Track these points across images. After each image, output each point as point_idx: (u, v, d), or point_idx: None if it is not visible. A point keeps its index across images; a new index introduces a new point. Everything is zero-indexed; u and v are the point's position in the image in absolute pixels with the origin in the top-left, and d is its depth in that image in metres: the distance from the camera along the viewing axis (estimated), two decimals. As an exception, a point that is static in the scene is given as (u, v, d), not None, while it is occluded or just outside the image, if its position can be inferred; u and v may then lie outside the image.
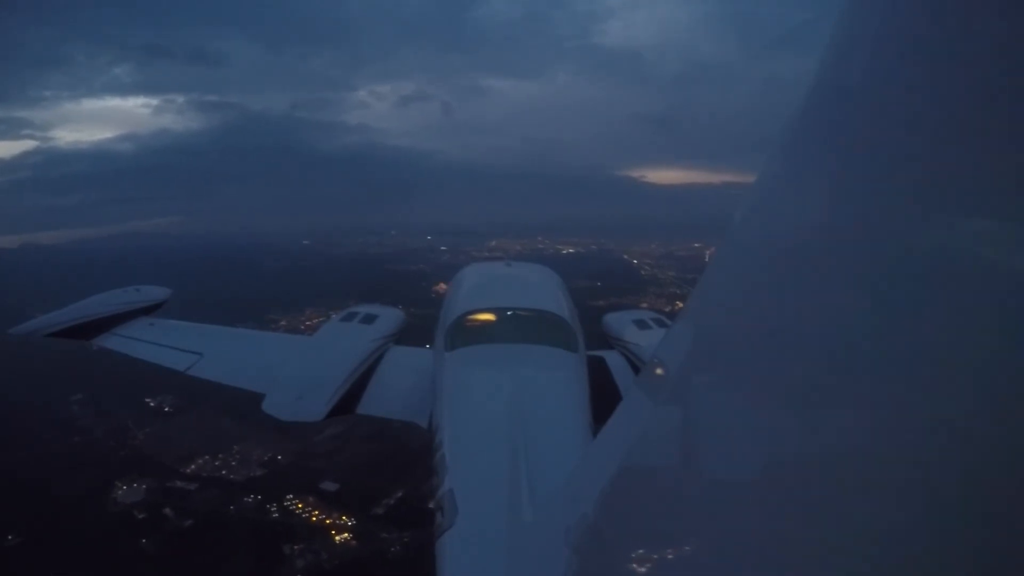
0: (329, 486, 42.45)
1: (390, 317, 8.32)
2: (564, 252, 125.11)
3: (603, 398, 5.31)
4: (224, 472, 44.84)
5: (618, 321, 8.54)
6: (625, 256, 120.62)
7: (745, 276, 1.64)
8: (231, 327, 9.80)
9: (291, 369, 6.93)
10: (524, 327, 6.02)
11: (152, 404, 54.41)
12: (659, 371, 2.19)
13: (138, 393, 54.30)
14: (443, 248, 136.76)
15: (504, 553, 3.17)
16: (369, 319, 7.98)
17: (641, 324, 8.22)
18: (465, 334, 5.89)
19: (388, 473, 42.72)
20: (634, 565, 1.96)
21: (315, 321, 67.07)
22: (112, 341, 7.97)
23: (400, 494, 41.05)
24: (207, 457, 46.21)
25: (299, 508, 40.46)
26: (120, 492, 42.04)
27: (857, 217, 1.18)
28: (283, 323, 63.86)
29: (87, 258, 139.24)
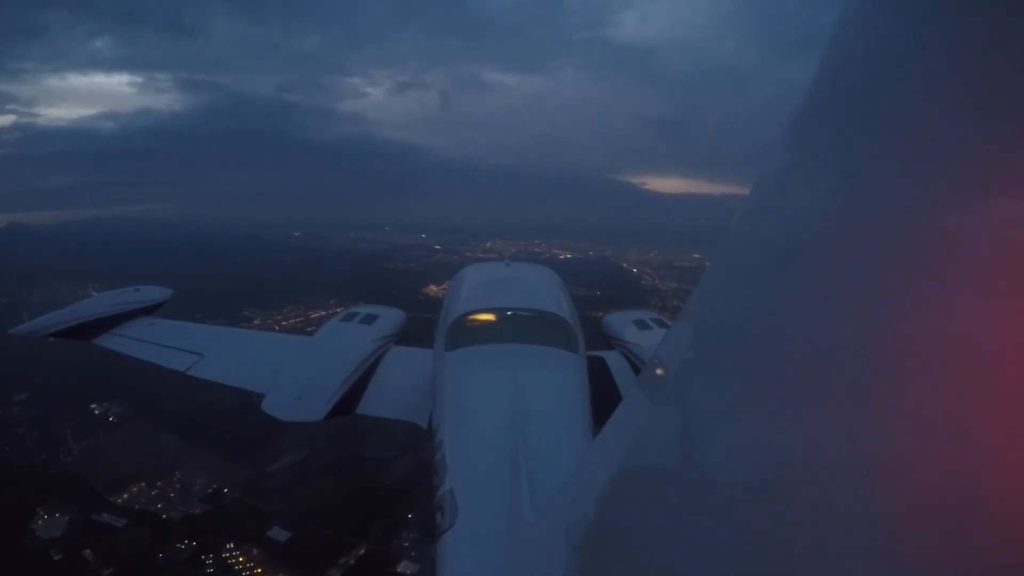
0: (278, 534, 36.27)
1: (390, 317, 8.27)
2: (561, 257, 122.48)
3: (603, 398, 5.24)
4: (159, 505, 38.74)
5: (618, 321, 8.52)
6: (624, 264, 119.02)
7: (745, 276, 1.64)
8: (232, 327, 10.25)
9: (291, 369, 6.82)
10: (524, 327, 5.99)
11: (97, 411, 49.05)
12: (659, 371, 2.22)
13: (86, 396, 49.45)
14: (437, 247, 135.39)
15: (504, 553, 3.14)
16: (369, 319, 7.96)
17: (641, 324, 8.22)
18: (465, 334, 5.85)
19: (351, 520, 36.96)
20: (634, 565, 1.89)
21: (292, 322, 62.85)
22: (112, 341, 7.83)
23: (363, 551, 35.07)
24: (143, 484, 40.35)
25: (239, 562, 34.22)
26: (40, 523, 36.06)
27: (857, 217, 1.18)
28: (257, 322, 60.30)
29: (75, 241, 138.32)
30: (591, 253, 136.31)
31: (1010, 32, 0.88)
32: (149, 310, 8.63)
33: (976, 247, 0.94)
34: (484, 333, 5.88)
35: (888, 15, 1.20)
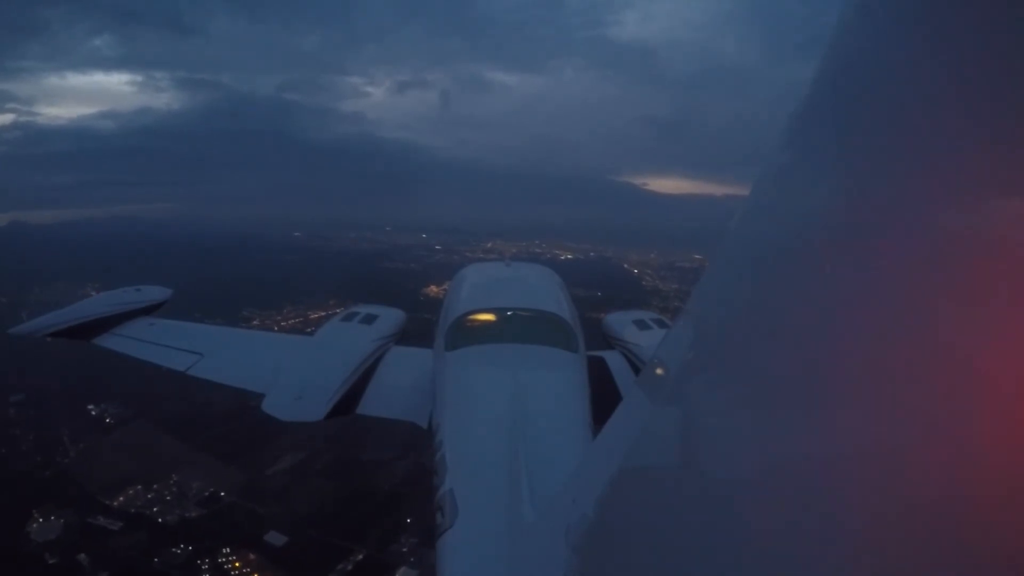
0: (275, 539, 35.83)
1: (390, 317, 8.25)
2: (562, 258, 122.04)
3: (603, 398, 5.21)
4: (156, 509, 38.38)
5: (618, 321, 8.46)
6: (625, 265, 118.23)
7: (745, 276, 1.64)
8: (232, 327, 9.99)
9: (291, 369, 6.83)
10: (524, 327, 5.98)
11: (94, 413, 48.76)
12: (659, 371, 2.21)
13: (83, 397, 49.21)
14: (437, 247, 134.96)
15: (504, 553, 3.14)
16: (369, 319, 7.95)
17: (641, 324, 8.16)
18: (465, 334, 5.84)
19: (349, 524, 36.52)
20: (634, 565, 1.89)
21: (292, 322, 62.54)
22: (112, 341, 7.81)
23: (361, 556, 34.62)
24: (139, 487, 39.97)
25: (235, 567, 33.78)
26: (35, 526, 35.82)
27: (858, 216, 1.18)
28: (256, 322, 59.96)
29: (76, 240, 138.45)
30: (592, 254, 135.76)
31: (1011, 31, 0.87)
32: (149, 310, 8.58)
33: (978, 247, 0.93)
34: (484, 333, 5.86)
35: (889, 14, 1.19)
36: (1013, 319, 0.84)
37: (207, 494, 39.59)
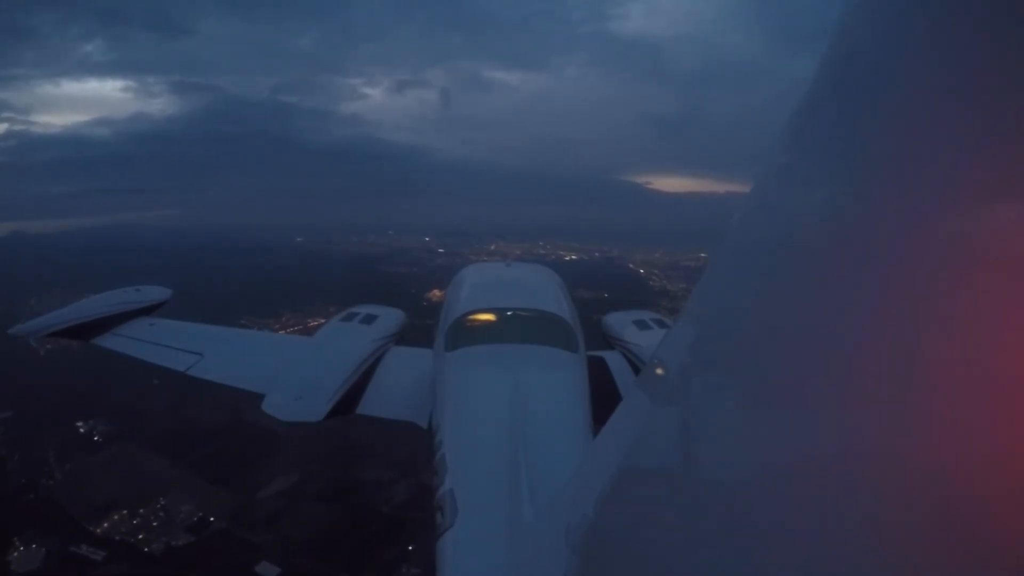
0: (268, 570, 33.56)
1: (390, 317, 8.22)
2: (567, 258, 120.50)
3: (603, 398, 5.20)
4: (141, 536, 36.27)
5: (618, 321, 8.47)
6: (631, 265, 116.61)
7: (745, 276, 1.63)
8: (232, 328, 9.79)
9: (291, 369, 6.79)
10: (524, 327, 5.95)
11: (82, 430, 46.90)
12: (659, 371, 2.20)
13: (72, 414, 47.48)
14: (440, 250, 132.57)
15: (504, 553, 3.11)
16: (369, 319, 7.92)
17: (641, 324, 8.16)
18: (465, 334, 5.81)
19: (347, 552, 34.22)
20: (634, 565, 1.86)
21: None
22: (112, 341, 7.78)
23: (360, 592, 32.20)
24: (125, 512, 37.94)
25: (224, 603, 31.39)
26: (15, 555, 34.00)
27: (858, 216, 1.17)
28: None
29: (78, 250, 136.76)
30: (597, 254, 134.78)
31: (1013, 29, 0.85)
32: (149, 310, 8.57)
33: (979, 247, 0.91)
34: (484, 333, 5.86)
35: (892, 9, 1.16)
36: (1015, 320, 0.83)
37: (195, 519, 37.55)
